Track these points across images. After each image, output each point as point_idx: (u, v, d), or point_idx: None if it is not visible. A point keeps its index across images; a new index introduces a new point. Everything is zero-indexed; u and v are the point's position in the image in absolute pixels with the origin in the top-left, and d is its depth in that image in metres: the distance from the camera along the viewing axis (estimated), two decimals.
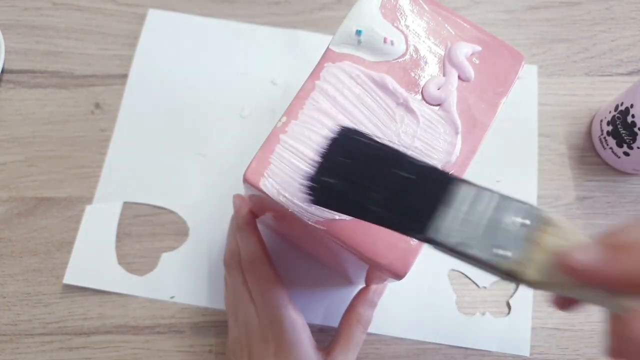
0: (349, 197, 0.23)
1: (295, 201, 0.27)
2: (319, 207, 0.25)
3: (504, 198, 0.22)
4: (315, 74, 0.29)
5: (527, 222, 0.21)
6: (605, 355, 0.22)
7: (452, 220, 0.22)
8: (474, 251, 0.21)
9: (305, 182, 0.24)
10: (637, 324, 0.18)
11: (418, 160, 0.23)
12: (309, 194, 0.24)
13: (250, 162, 0.28)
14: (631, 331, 0.18)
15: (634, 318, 0.19)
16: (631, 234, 0.20)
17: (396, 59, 0.30)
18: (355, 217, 0.24)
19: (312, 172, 0.24)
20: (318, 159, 0.24)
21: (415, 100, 0.29)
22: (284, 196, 0.27)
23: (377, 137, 0.24)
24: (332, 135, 0.24)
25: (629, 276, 0.19)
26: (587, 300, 0.21)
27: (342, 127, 0.25)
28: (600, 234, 0.21)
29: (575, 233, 0.21)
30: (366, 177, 0.23)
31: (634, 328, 0.18)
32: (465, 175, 0.28)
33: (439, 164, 0.28)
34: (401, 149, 0.24)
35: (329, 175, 0.24)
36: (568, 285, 0.20)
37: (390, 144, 0.24)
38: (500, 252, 0.21)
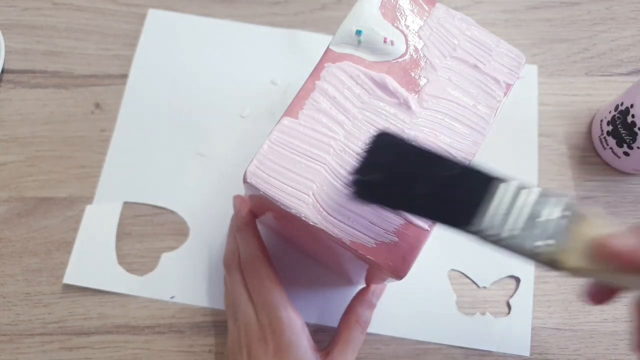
0: (393, 191, 0.24)
1: (296, 202, 0.27)
2: (361, 201, 0.26)
3: (543, 192, 0.23)
4: (315, 74, 0.29)
5: (566, 213, 0.23)
6: (633, 349, 0.24)
7: (495, 214, 0.23)
8: (516, 241, 0.23)
9: (349, 177, 0.26)
10: None
11: (460, 161, 0.25)
12: (352, 189, 0.25)
13: (250, 162, 0.28)
14: None
15: None
16: None
17: (396, 59, 0.30)
18: (400, 209, 0.26)
19: (354, 168, 0.25)
20: (361, 157, 0.25)
21: (415, 100, 0.29)
22: (284, 196, 0.27)
23: (415, 141, 0.25)
24: (372, 138, 0.25)
25: None
26: (624, 284, 0.23)
27: (382, 131, 0.26)
28: (636, 224, 0.22)
29: (613, 223, 0.22)
30: (409, 175, 0.24)
31: None
32: None
33: None
34: (440, 150, 0.25)
35: (372, 172, 0.25)
36: (606, 271, 0.22)
37: (430, 147, 0.25)
38: (541, 242, 0.23)
